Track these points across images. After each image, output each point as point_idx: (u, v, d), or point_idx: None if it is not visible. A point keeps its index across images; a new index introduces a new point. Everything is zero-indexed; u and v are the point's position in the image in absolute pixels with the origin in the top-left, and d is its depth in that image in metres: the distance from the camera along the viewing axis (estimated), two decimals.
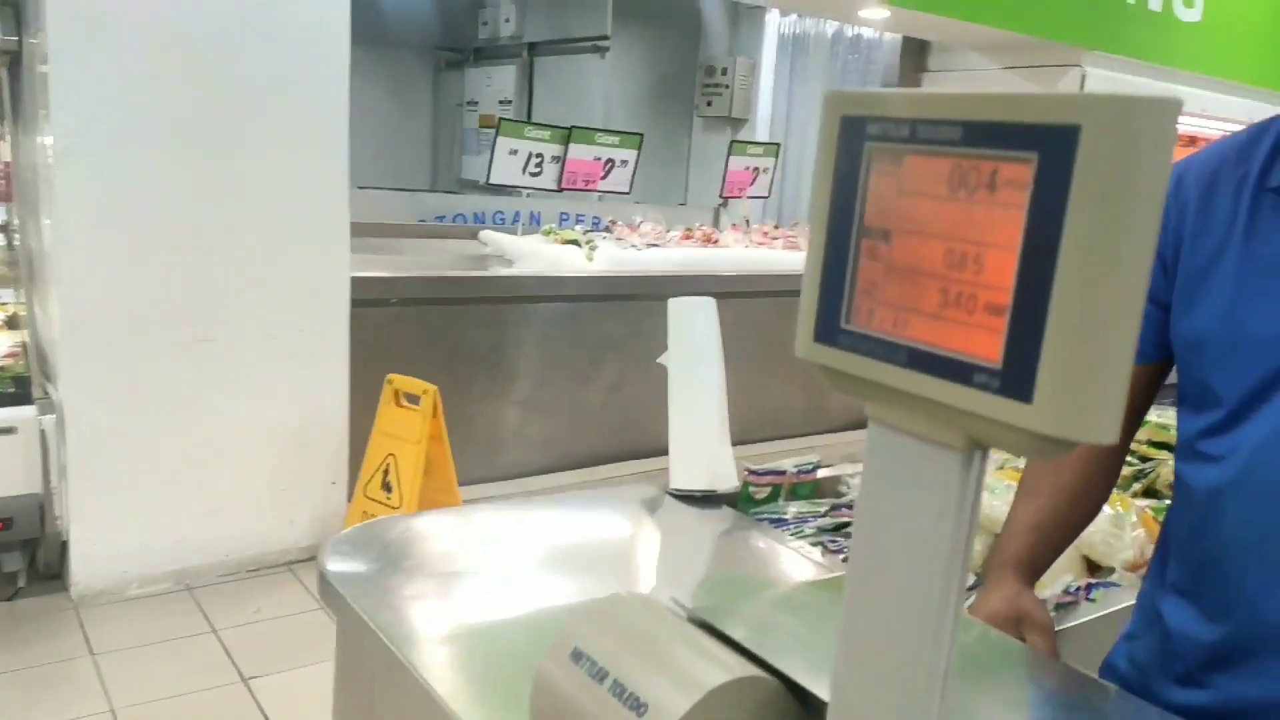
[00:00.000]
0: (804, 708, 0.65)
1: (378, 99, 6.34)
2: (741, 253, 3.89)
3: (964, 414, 0.43)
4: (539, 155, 3.70)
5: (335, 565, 1.14)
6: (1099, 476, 1.08)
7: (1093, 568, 1.33)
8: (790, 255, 3.97)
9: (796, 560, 1.29)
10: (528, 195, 4.18)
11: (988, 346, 0.42)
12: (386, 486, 2.75)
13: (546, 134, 3.73)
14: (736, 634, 0.70)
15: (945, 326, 0.44)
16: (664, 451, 2.75)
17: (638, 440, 3.72)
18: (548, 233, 3.69)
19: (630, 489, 1.62)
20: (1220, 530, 0.90)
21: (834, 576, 1.05)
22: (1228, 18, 4.56)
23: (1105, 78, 4.23)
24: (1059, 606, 1.21)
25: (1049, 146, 0.40)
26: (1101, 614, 1.22)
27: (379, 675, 1.03)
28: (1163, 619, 0.97)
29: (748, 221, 4.39)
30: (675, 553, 1.34)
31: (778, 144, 4.76)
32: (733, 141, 4.60)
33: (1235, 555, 0.89)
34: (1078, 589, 1.24)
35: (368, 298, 3.00)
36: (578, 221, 4.48)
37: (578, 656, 0.67)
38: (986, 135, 0.42)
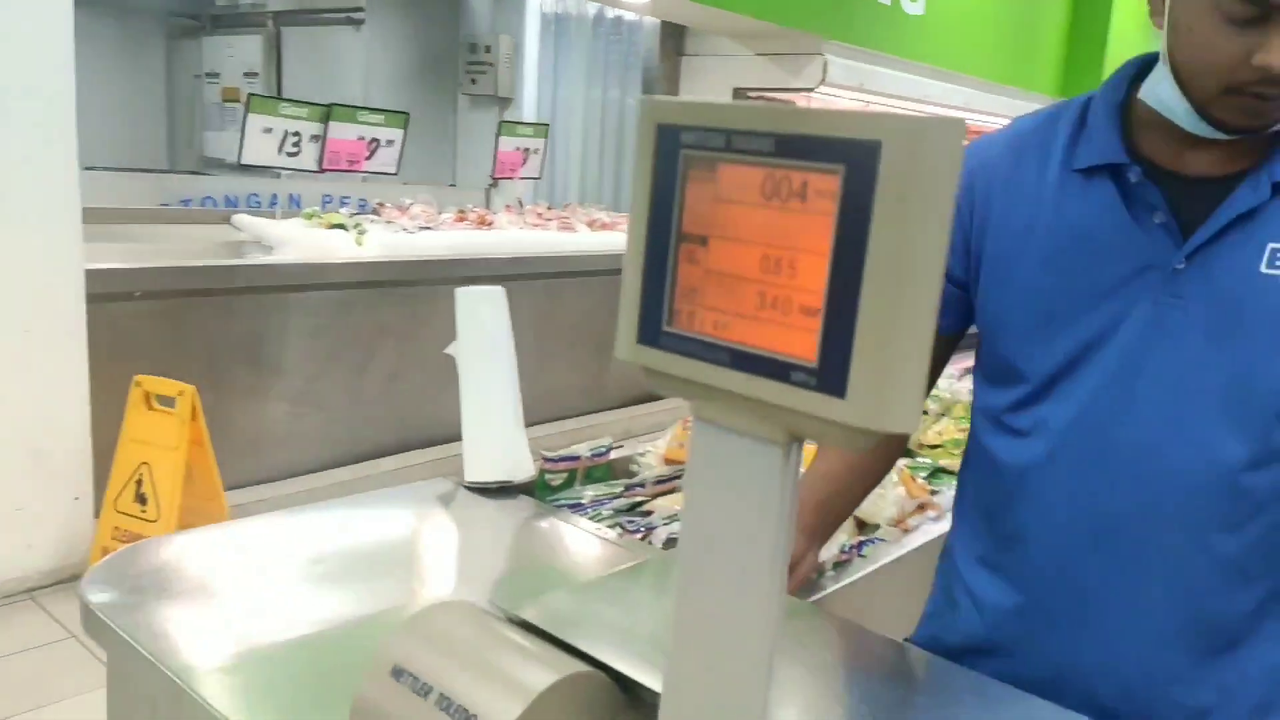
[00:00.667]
0: (628, 695, 0.67)
1: (103, 69, 5.72)
2: (518, 234, 3.86)
3: (784, 410, 0.46)
4: (296, 134, 3.48)
5: (98, 595, 1.03)
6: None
7: (861, 526, 1.45)
8: (566, 237, 3.99)
9: (597, 545, 1.31)
10: (285, 176, 3.94)
11: (804, 346, 0.45)
12: (141, 499, 2.52)
13: (304, 111, 3.51)
14: (556, 630, 0.70)
15: (764, 328, 0.46)
16: (449, 439, 2.68)
17: (421, 430, 3.62)
18: (310, 216, 3.49)
19: (423, 485, 1.58)
20: (1031, 505, 0.94)
21: (641, 562, 1.08)
22: (948, 12, 5.03)
23: (844, 65, 4.55)
24: (837, 565, 1.31)
25: (854, 160, 0.42)
26: (873, 568, 1.34)
27: (162, 712, 0.95)
28: (969, 591, 1.02)
29: (521, 203, 4.37)
30: (477, 549, 1.32)
31: (547, 124, 4.76)
32: (502, 121, 4.54)
33: (1046, 529, 0.94)
34: (851, 547, 1.35)
35: (107, 292, 2.71)
36: (342, 204, 4.27)
37: (399, 674, 0.65)
38: (797, 148, 0.44)
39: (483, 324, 1.48)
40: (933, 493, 1.55)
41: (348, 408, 3.50)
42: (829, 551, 1.32)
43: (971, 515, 1.05)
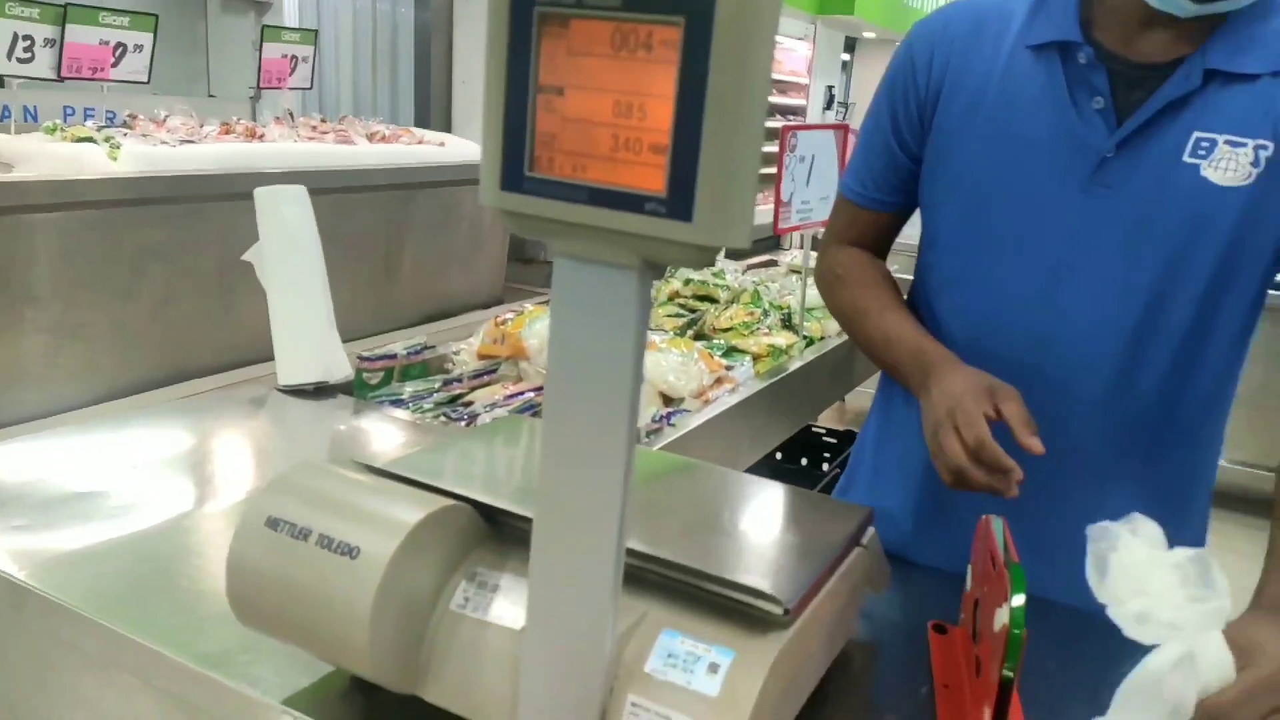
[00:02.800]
0: (494, 526, 0.74)
1: None
2: (292, 148, 3.66)
3: (638, 238, 0.54)
4: (28, 37, 3.11)
5: None
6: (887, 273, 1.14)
7: (667, 400, 1.57)
8: (346, 150, 3.84)
9: (426, 430, 1.36)
10: (18, 86, 3.51)
11: (654, 180, 0.52)
12: None
13: (35, 11, 3.14)
14: (418, 476, 0.76)
15: (618, 166, 0.53)
16: (235, 365, 2.59)
17: (200, 357, 3.42)
18: (52, 130, 3.15)
19: (234, 391, 1.56)
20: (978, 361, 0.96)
21: (487, 425, 1.13)
22: None
23: None
24: (650, 433, 1.43)
25: (693, 12, 0.50)
26: (681, 434, 1.47)
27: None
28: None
29: (291, 115, 4.13)
30: (303, 444, 1.33)
31: (315, 31, 4.49)
32: (265, 26, 4.24)
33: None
34: (661, 417, 1.47)
35: None
36: (87, 116, 3.87)
37: (275, 524, 0.69)
38: (641, 3, 0.51)
39: (286, 223, 1.45)
40: (728, 368, 1.70)
41: (114, 338, 3.24)
42: (642, 420, 1.43)
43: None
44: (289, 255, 1.45)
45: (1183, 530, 1.09)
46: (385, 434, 1.34)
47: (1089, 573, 0.72)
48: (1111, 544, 0.72)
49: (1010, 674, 0.73)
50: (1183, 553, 0.70)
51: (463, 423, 1.41)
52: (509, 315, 1.73)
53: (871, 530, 0.85)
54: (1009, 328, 0.98)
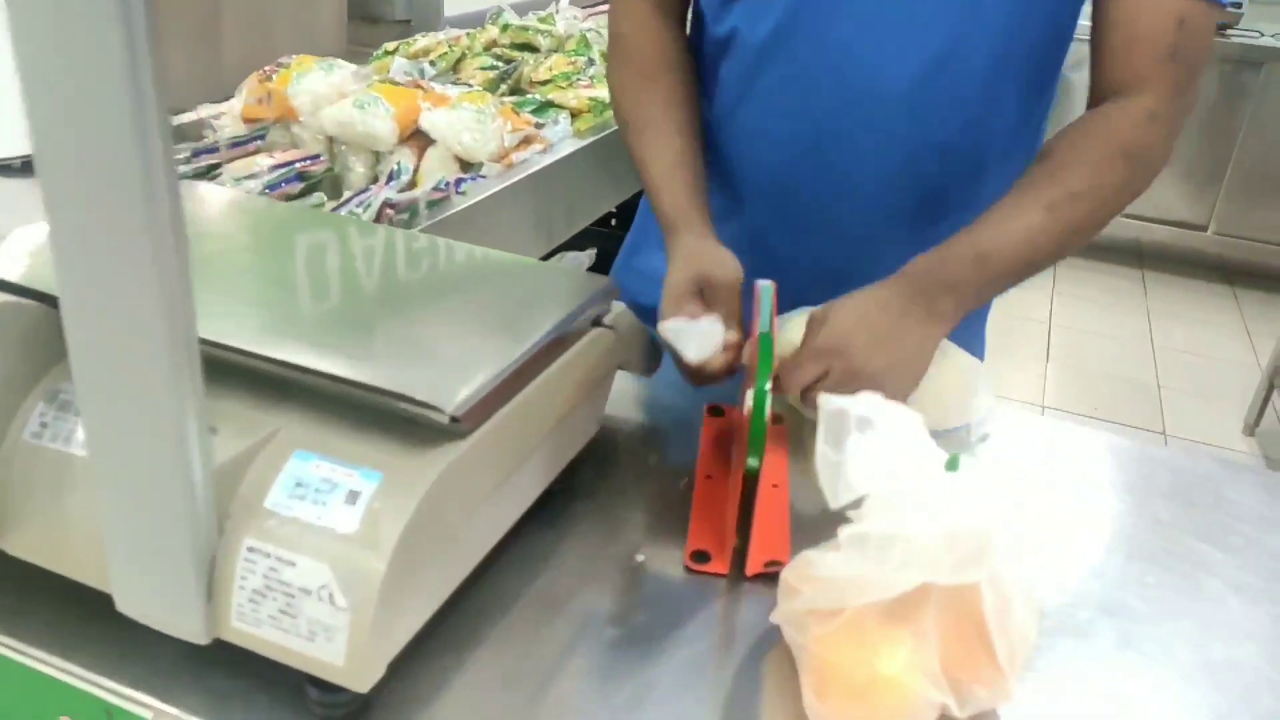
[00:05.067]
0: None
1: None
2: None
3: None
4: None
5: None
6: (685, 64, 0.95)
7: (465, 166, 1.37)
8: None
9: None
10: None
11: None
12: None
13: None
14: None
15: None
16: None
17: None
18: None
19: None
20: (741, 122, 0.91)
21: None
22: None
23: None
24: (431, 204, 1.24)
25: None
26: (472, 203, 1.28)
27: None
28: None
29: None
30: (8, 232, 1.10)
31: None
32: None
33: (759, 145, 0.91)
34: (448, 184, 1.27)
35: None
36: None
37: None
38: None
39: None
40: (538, 126, 1.48)
41: None
42: (424, 187, 1.24)
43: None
44: None
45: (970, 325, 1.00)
46: None
47: (819, 454, 0.52)
48: (858, 421, 0.52)
49: (755, 465, 0.61)
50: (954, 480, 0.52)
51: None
52: (278, 67, 1.46)
53: (619, 306, 0.71)
54: (792, 47, 0.86)
